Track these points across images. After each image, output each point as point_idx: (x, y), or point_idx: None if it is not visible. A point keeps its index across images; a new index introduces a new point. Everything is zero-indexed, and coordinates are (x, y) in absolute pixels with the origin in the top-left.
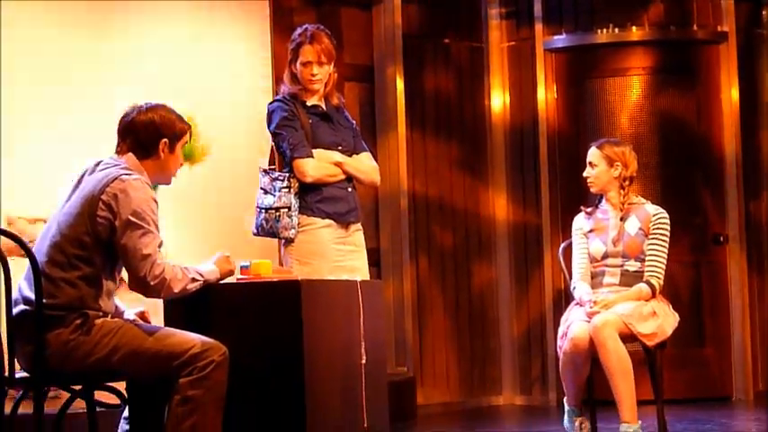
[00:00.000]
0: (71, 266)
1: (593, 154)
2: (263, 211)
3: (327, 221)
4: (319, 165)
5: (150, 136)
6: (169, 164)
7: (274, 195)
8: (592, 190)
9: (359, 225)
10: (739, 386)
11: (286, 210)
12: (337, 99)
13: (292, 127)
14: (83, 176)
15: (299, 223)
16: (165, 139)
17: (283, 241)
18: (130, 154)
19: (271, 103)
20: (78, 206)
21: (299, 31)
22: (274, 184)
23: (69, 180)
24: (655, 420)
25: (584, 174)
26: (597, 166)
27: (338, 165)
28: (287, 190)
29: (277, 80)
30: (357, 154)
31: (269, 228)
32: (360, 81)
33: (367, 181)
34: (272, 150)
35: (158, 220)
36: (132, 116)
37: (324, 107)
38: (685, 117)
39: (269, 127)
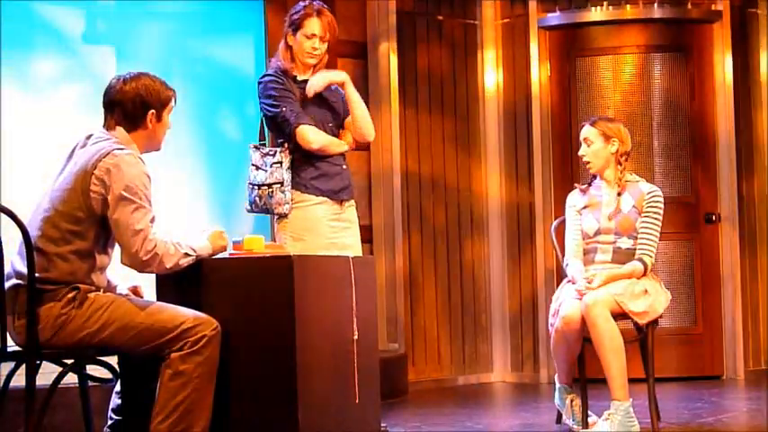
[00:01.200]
0: (64, 241)
1: (588, 131)
2: (256, 187)
3: (321, 198)
4: (323, 135)
5: (137, 108)
6: (157, 132)
7: (266, 171)
8: (591, 170)
9: (352, 202)
10: (730, 365)
11: (279, 185)
12: None
13: (289, 98)
14: (74, 150)
15: (292, 199)
16: (153, 110)
17: (276, 217)
18: (119, 128)
19: (262, 77)
20: (71, 181)
21: (303, 3)
22: (265, 159)
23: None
24: (646, 398)
25: (580, 152)
26: (594, 143)
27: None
28: (278, 165)
29: (270, 55)
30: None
31: (262, 204)
32: (353, 57)
33: (366, 132)
34: (261, 125)
35: (151, 195)
36: (117, 89)
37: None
38: (679, 96)
39: (261, 99)
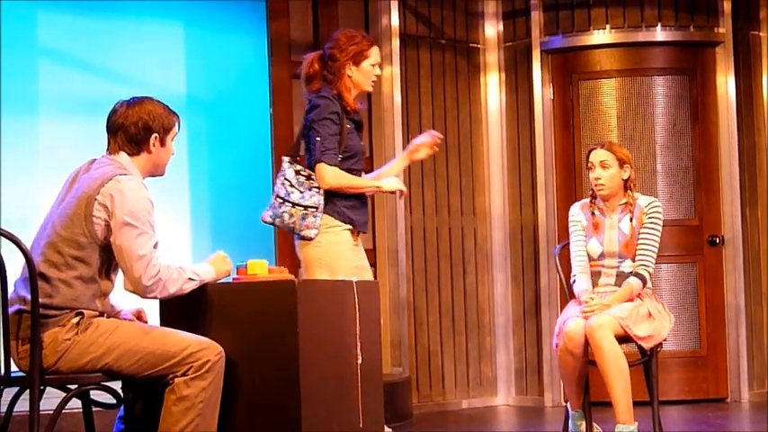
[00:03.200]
0: (68, 266)
1: (604, 155)
2: (288, 204)
3: (348, 226)
4: (340, 174)
5: (140, 132)
6: (161, 157)
7: (302, 192)
8: (602, 193)
9: None
10: (734, 388)
11: (314, 209)
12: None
13: (331, 127)
14: (77, 175)
15: (323, 223)
16: (156, 134)
17: (298, 237)
18: (122, 153)
19: (318, 98)
20: (74, 206)
21: (353, 33)
22: (299, 178)
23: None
24: (650, 421)
25: (595, 175)
26: (611, 167)
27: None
28: (317, 190)
29: (274, 63)
30: None
31: (290, 222)
32: None
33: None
34: (298, 139)
35: (154, 220)
36: (120, 113)
37: (359, 114)
38: (682, 118)
39: (308, 116)
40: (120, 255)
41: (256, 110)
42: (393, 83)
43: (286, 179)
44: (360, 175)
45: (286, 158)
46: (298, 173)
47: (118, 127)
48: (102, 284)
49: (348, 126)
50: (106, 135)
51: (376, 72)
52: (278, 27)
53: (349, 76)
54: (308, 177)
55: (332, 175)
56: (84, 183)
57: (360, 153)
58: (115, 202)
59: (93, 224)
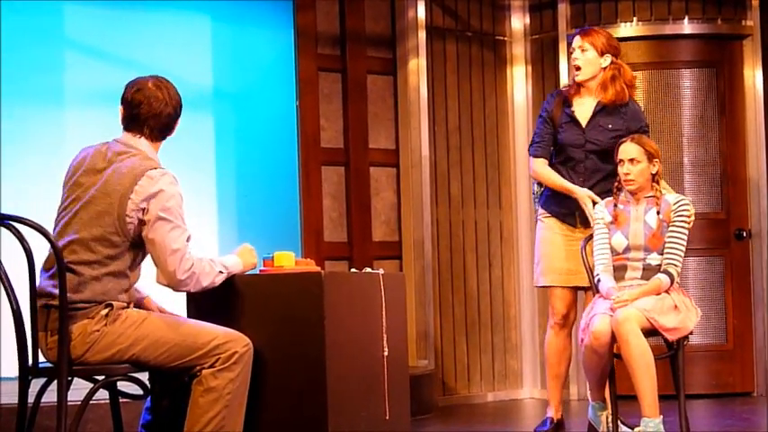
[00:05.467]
0: (100, 264)
1: (634, 150)
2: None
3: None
4: (543, 168)
5: (172, 121)
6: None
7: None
8: (630, 188)
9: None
10: (761, 381)
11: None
12: (613, 96)
13: (541, 124)
14: (91, 160)
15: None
16: (179, 120)
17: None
18: (143, 139)
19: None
20: (105, 203)
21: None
22: None
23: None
24: (676, 415)
25: (624, 170)
26: (640, 162)
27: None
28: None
29: (300, 56)
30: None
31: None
32: (382, 74)
33: None
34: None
35: (184, 213)
36: (163, 101)
37: (580, 109)
38: (709, 111)
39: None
40: (153, 249)
41: (283, 103)
42: (419, 76)
43: None
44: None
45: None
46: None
47: (161, 115)
48: (131, 278)
49: (563, 121)
50: (125, 112)
51: (575, 56)
52: (304, 20)
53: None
54: None
55: (535, 166)
56: (113, 178)
57: (575, 144)
58: (150, 201)
59: (127, 223)
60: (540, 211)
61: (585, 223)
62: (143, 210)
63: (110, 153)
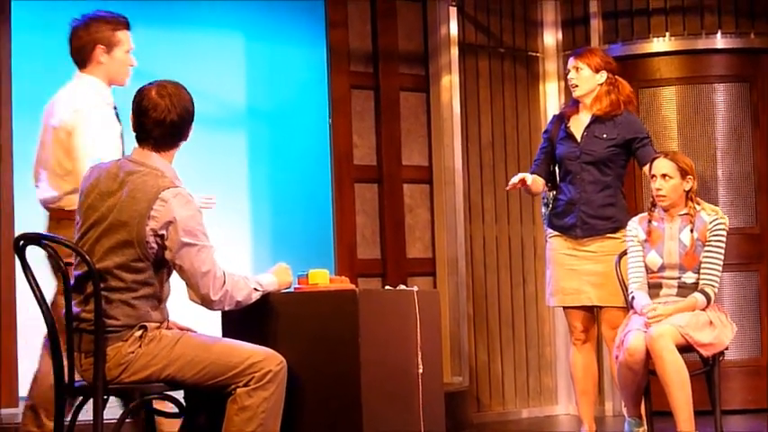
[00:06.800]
0: (129, 290)
1: (667, 166)
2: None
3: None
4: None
5: (186, 126)
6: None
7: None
8: (662, 204)
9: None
10: None
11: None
12: (607, 107)
13: (542, 143)
14: (109, 181)
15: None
16: (192, 126)
17: None
18: (152, 153)
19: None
20: (124, 232)
21: None
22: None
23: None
24: (713, 431)
25: (657, 185)
26: (673, 178)
27: None
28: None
29: (333, 74)
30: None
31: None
32: (415, 91)
33: None
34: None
35: (205, 227)
36: (165, 109)
37: (576, 124)
38: (742, 125)
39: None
40: (183, 274)
41: (316, 120)
42: (452, 92)
43: None
44: None
45: None
46: None
47: (164, 123)
48: (161, 296)
49: (560, 135)
50: (139, 127)
51: (570, 76)
52: (337, 37)
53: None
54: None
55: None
56: (127, 204)
57: (569, 158)
58: (168, 229)
59: (148, 249)
60: (548, 231)
61: (588, 234)
62: (162, 236)
63: (121, 173)
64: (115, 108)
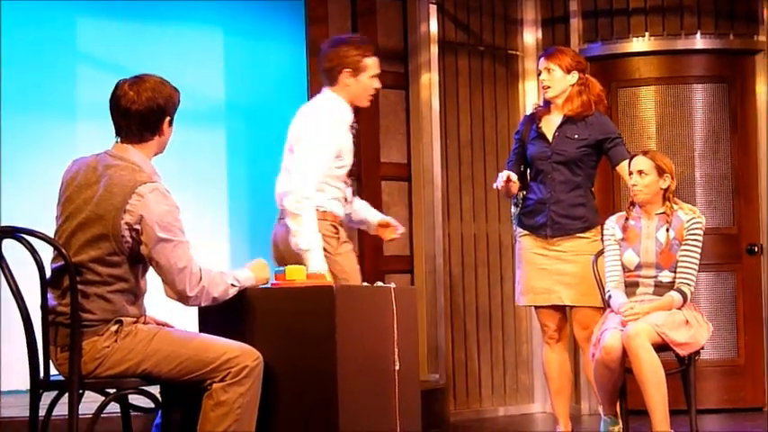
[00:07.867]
0: (105, 284)
1: (643, 163)
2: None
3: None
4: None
5: (154, 116)
6: (167, 137)
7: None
8: (637, 199)
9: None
10: None
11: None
12: (579, 107)
13: (514, 144)
14: (86, 176)
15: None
16: (168, 117)
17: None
18: (129, 147)
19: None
20: (100, 226)
21: None
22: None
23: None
24: (688, 430)
25: (632, 182)
26: (648, 175)
27: None
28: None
29: (312, 70)
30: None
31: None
32: (394, 88)
33: None
34: None
35: (182, 222)
36: (129, 98)
37: (547, 125)
38: (721, 126)
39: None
40: (159, 270)
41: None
42: (431, 90)
43: None
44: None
45: None
46: None
47: (129, 113)
48: (138, 290)
49: (532, 135)
50: (113, 120)
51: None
52: (316, 33)
53: None
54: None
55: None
56: (104, 197)
57: (541, 158)
58: (143, 220)
59: (123, 243)
60: (517, 230)
61: (558, 233)
62: (137, 231)
63: (100, 167)
64: (352, 126)
